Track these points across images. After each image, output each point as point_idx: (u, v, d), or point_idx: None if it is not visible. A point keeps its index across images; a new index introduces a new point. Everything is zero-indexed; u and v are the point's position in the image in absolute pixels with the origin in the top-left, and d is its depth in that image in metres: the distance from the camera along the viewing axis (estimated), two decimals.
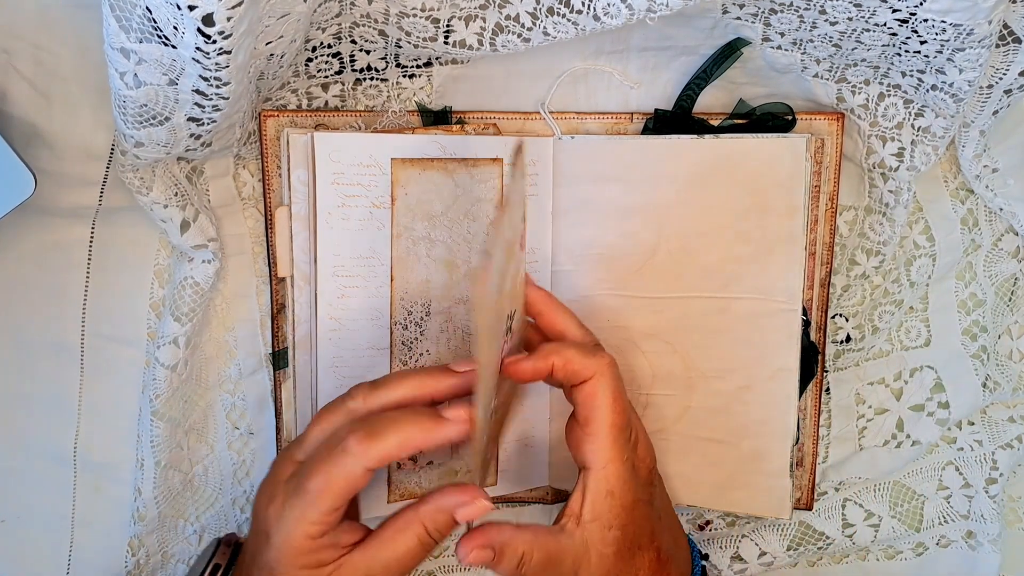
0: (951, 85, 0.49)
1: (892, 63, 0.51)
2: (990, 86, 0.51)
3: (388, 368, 0.54)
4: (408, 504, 0.43)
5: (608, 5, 0.46)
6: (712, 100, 0.55)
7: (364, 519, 0.48)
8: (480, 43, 0.50)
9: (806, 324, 0.55)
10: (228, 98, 0.44)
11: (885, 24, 0.47)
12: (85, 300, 0.54)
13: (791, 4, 0.48)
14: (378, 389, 0.44)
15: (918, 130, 0.53)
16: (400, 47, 0.51)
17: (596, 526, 0.45)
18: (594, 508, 0.45)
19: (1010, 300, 0.59)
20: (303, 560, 0.42)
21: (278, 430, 0.56)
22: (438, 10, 0.48)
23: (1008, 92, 0.51)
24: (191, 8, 0.37)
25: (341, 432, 0.42)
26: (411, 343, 0.54)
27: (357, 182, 0.51)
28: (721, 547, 0.60)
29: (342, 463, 0.41)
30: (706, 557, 0.51)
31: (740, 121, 0.55)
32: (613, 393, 0.45)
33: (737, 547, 0.60)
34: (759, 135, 0.54)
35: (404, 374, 0.45)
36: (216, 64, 0.40)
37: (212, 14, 0.37)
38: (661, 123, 0.55)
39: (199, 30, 0.38)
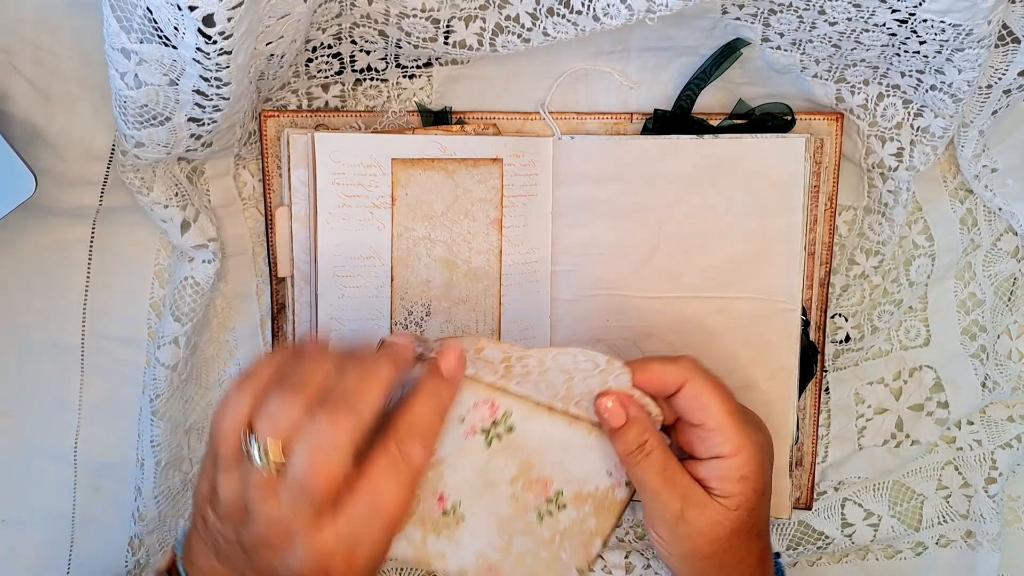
0: (950, 85, 0.49)
1: (891, 63, 0.51)
2: (989, 86, 0.51)
3: None
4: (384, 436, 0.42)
5: (608, 5, 0.46)
6: (712, 100, 0.55)
7: None
8: (480, 43, 0.50)
9: (805, 324, 0.55)
10: (228, 98, 0.44)
11: (884, 24, 0.47)
12: (85, 300, 0.54)
13: (790, 4, 0.48)
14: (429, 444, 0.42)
15: (917, 130, 0.54)
16: (400, 47, 0.51)
17: (723, 503, 0.46)
18: (724, 488, 0.46)
19: (1009, 300, 0.59)
20: None
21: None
22: (438, 11, 0.48)
23: (1007, 92, 0.51)
24: (192, 8, 0.37)
25: (393, 451, 0.40)
26: None
27: (358, 182, 0.51)
28: None
29: (415, 475, 0.41)
30: (777, 555, 0.52)
31: (740, 121, 0.55)
32: (713, 385, 0.46)
33: None
34: (758, 135, 0.54)
35: (431, 415, 0.43)
36: (216, 64, 0.40)
37: (213, 14, 0.37)
38: (661, 123, 0.55)
39: (200, 30, 0.38)
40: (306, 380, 0.40)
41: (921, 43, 0.47)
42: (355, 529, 0.38)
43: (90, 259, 0.54)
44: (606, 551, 0.60)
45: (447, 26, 0.49)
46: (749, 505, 0.46)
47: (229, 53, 0.40)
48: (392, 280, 0.53)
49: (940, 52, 0.47)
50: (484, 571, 0.47)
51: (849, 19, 0.47)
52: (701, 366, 0.47)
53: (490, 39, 0.50)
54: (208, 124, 0.46)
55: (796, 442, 0.57)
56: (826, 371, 0.59)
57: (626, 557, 0.60)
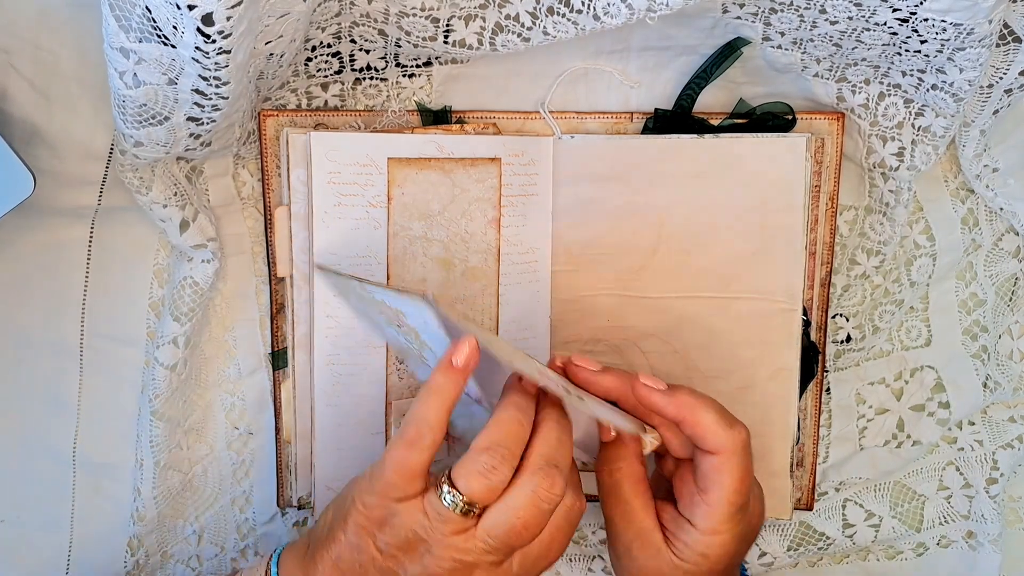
0: (951, 84, 0.49)
1: (892, 62, 0.51)
2: (990, 85, 0.51)
3: (384, 367, 0.54)
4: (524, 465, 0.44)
5: (608, 5, 0.46)
6: (712, 100, 0.55)
7: None
8: (480, 43, 0.50)
9: (806, 324, 0.55)
10: (227, 98, 0.44)
11: (885, 23, 0.47)
12: (84, 300, 0.54)
13: (791, 3, 0.48)
14: (564, 470, 0.43)
15: (918, 129, 0.53)
16: (400, 46, 0.51)
17: (675, 559, 0.45)
18: (683, 550, 0.45)
19: (1011, 300, 0.59)
20: None
21: (277, 430, 0.56)
22: (438, 9, 0.48)
23: (1008, 91, 0.51)
24: (191, 8, 0.37)
25: (561, 513, 0.43)
26: None
27: (353, 181, 0.51)
28: None
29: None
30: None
31: (740, 121, 0.55)
32: (741, 475, 0.45)
33: None
34: (759, 135, 0.54)
35: (562, 445, 0.44)
36: (215, 64, 0.40)
37: (212, 14, 0.37)
38: (661, 123, 0.55)
39: (199, 30, 0.38)
40: (515, 440, 0.43)
41: (922, 42, 0.47)
42: (524, 569, 0.43)
43: (89, 259, 0.54)
44: (607, 551, 0.60)
45: (447, 25, 0.49)
46: (700, 573, 0.45)
47: (228, 52, 0.40)
48: (388, 279, 0.53)
49: (941, 51, 0.47)
50: None
51: (850, 18, 0.47)
52: (747, 448, 0.45)
53: (490, 38, 0.50)
54: (207, 123, 0.46)
55: (797, 443, 0.57)
56: (827, 371, 0.59)
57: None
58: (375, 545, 0.42)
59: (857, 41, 0.49)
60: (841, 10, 0.47)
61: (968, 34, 0.45)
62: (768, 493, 0.55)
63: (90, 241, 0.54)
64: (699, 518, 0.45)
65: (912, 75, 0.51)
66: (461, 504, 0.41)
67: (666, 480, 0.49)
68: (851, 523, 0.61)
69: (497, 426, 0.42)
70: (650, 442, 0.47)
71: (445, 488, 0.41)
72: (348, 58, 0.52)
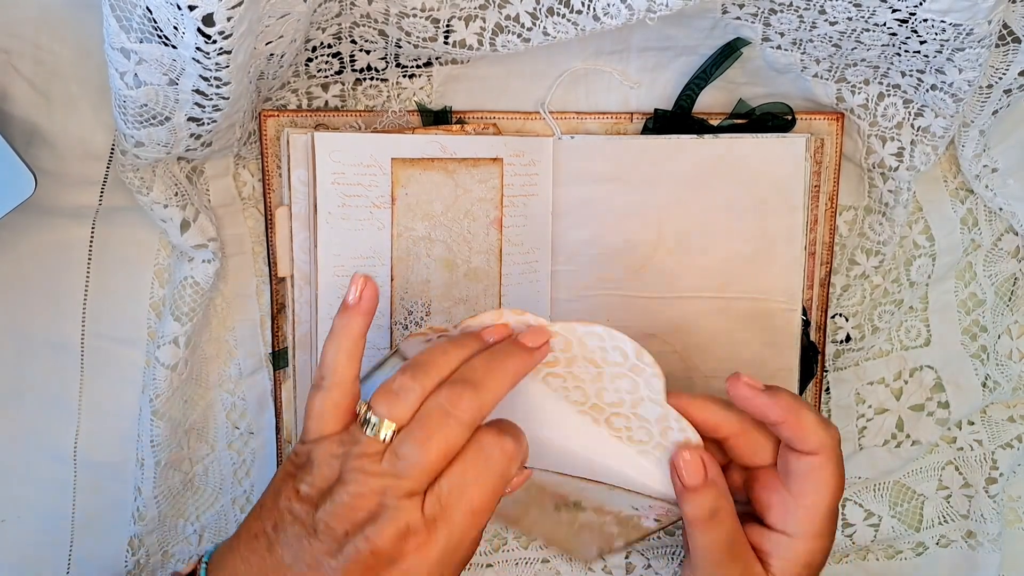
0: (951, 85, 0.49)
1: (892, 63, 0.51)
2: (990, 86, 0.51)
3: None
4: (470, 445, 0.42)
5: (608, 5, 0.46)
6: (712, 100, 0.55)
7: None
8: (480, 43, 0.50)
9: (806, 324, 0.55)
10: (228, 98, 0.44)
11: (885, 24, 0.47)
12: (85, 300, 0.54)
13: (791, 4, 0.48)
14: (484, 389, 0.40)
15: (918, 130, 0.54)
16: (400, 47, 0.51)
17: None
18: (784, 568, 0.43)
19: (1010, 300, 0.59)
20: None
21: (278, 430, 0.56)
22: (438, 10, 0.48)
23: (1008, 92, 0.51)
24: (191, 8, 0.37)
25: (484, 441, 0.40)
26: None
27: (357, 182, 0.51)
28: None
29: (503, 470, 0.40)
30: None
31: (740, 121, 0.55)
32: (840, 473, 0.43)
33: None
34: (759, 135, 0.54)
35: (494, 367, 0.41)
36: (216, 64, 0.40)
37: (212, 14, 0.37)
38: (661, 123, 0.55)
39: (199, 30, 0.38)
40: (435, 363, 0.41)
41: (922, 43, 0.47)
42: (441, 512, 0.39)
43: (90, 259, 0.54)
44: None
45: (447, 26, 0.49)
46: None
47: (229, 53, 0.40)
48: (392, 280, 0.53)
49: (941, 52, 0.47)
50: (503, 518, 0.47)
51: (850, 19, 0.47)
52: (840, 448, 0.44)
53: (490, 39, 0.50)
54: (208, 124, 0.46)
55: None
56: (826, 371, 0.59)
57: (626, 557, 0.60)
58: (295, 490, 0.40)
59: (856, 42, 0.49)
60: (840, 11, 0.47)
61: (967, 34, 0.45)
62: None
63: (91, 241, 0.54)
64: (797, 525, 0.43)
65: (911, 75, 0.51)
66: (378, 426, 0.39)
67: (743, 500, 0.46)
68: (850, 523, 0.61)
69: (422, 353, 0.41)
70: (695, 441, 0.44)
71: (363, 411, 0.40)
72: (348, 58, 0.52)
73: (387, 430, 0.39)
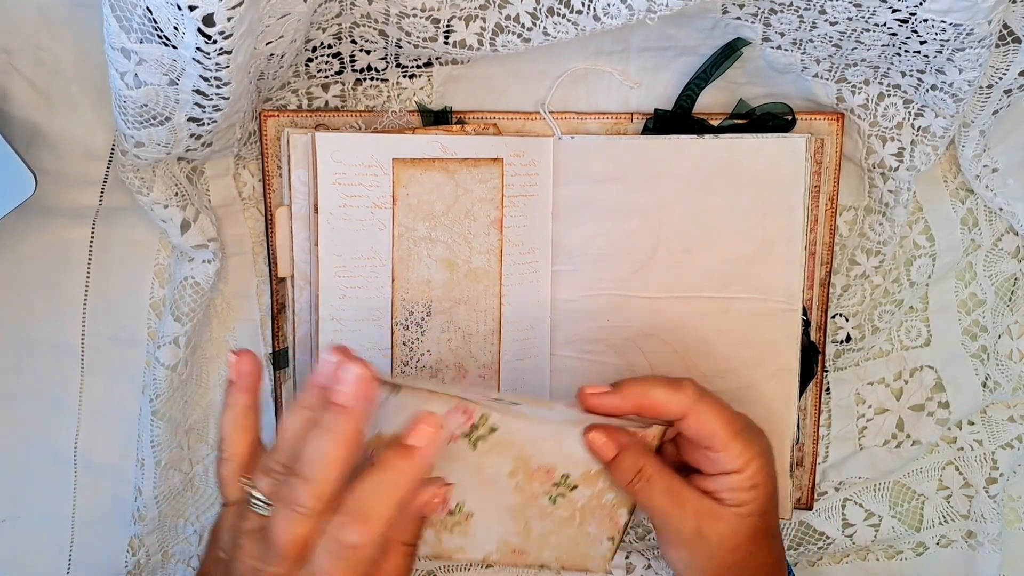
0: (951, 85, 0.49)
1: (892, 63, 0.51)
2: (990, 86, 0.51)
3: (390, 369, 0.54)
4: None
5: (608, 5, 0.46)
6: (712, 100, 0.55)
7: None
8: (480, 43, 0.50)
9: (806, 324, 0.55)
10: (228, 98, 0.44)
11: (885, 24, 0.47)
12: (85, 300, 0.54)
13: (791, 4, 0.48)
14: (314, 481, 0.39)
15: (918, 130, 0.54)
16: (400, 47, 0.51)
17: (737, 511, 0.46)
18: (736, 497, 0.46)
19: (1010, 300, 0.59)
20: None
21: (278, 430, 0.56)
22: (438, 10, 0.48)
23: (1008, 92, 0.51)
24: (191, 8, 0.37)
25: (331, 534, 0.39)
26: (412, 344, 0.54)
27: (358, 182, 0.51)
28: None
29: (359, 559, 0.39)
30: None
31: (740, 121, 0.55)
32: (716, 410, 0.46)
33: None
34: (759, 135, 0.54)
35: (320, 447, 0.39)
36: (216, 64, 0.40)
37: (212, 14, 0.37)
38: (661, 123, 0.55)
39: (199, 30, 0.38)
40: (282, 443, 0.41)
41: (922, 43, 0.47)
42: None
43: (90, 259, 0.54)
44: None
45: (447, 26, 0.49)
46: (762, 510, 0.46)
47: (229, 53, 0.40)
48: (393, 280, 0.53)
49: (941, 52, 0.47)
50: (509, 555, 0.47)
51: (850, 19, 0.47)
52: (702, 391, 0.46)
53: (490, 39, 0.50)
54: (208, 124, 0.46)
55: (797, 442, 0.57)
56: (827, 371, 0.59)
57: (626, 557, 0.60)
58: (216, 551, 0.42)
59: (857, 42, 0.49)
60: (841, 11, 0.47)
61: (967, 35, 0.45)
62: None
63: (91, 241, 0.54)
64: (726, 463, 0.46)
65: (912, 75, 0.51)
66: (256, 504, 0.40)
67: (676, 465, 0.49)
68: (851, 523, 0.61)
69: (309, 443, 0.40)
70: (657, 429, 0.47)
71: (246, 486, 0.41)
72: (349, 59, 0.52)
73: (264, 508, 0.40)
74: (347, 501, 0.39)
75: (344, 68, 0.53)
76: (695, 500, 0.46)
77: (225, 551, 0.41)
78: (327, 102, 0.54)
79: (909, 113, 0.53)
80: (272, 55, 0.46)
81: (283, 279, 0.54)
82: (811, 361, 0.56)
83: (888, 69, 0.52)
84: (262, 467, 0.41)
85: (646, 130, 0.55)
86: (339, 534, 0.38)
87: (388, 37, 0.50)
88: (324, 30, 0.49)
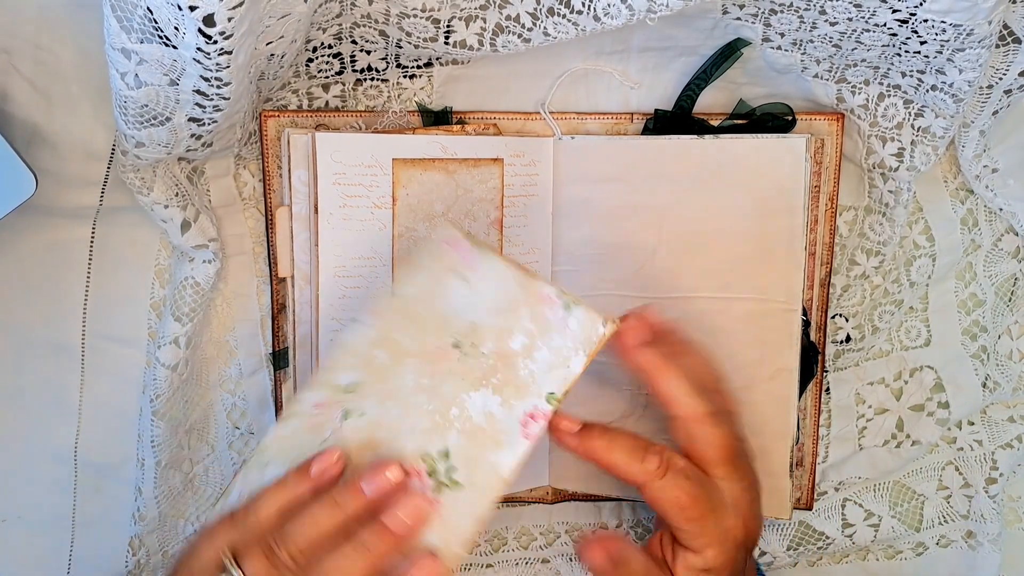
0: (951, 85, 0.49)
1: (892, 63, 0.51)
2: (990, 86, 0.51)
3: None
4: None
5: (608, 5, 0.46)
6: (712, 100, 0.55)
7: None
8: (480, 43, 0.50)
9: (806, 324, 0.55)
10: (229, 98, 0.44)
11: (885, 24, 0.47)
12: (86, 300, 0.54)
13: (791, 4, 0.48)
14: (291, 545, 0.40)
15: (918, 130, 0.54)
16: (401, 47, 0.51)
17: None
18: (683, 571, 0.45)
19: (1010, 300, 0.59)
20: None
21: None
22: (438, 11, 0.48)
23: (1008, 92, 0.51)
24: (192, 9, 0.37)
25: None
26: None
27: (359, 182, 0.51)
28: None
29: None
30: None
31: (740, 121, 0.55)
32: (678, 491, 0.44)
33: None
34: (759, 135, 0.54)
35: (305, 519, 0.41)
36: (217, 64, 0.40)
37: (213, 14, 0.37)
38: (661, 123, 0.55)
39: (200, 30, 0.38)
40: (293, 538, 0.40)
41: (922, 43, 0.47)
42: None
43: (90, 259, 0.54)
44: None
45: (447, 26, 0.49)
46: None
47: (229, 53, 0.40)
48: (393, 281, 0.53)
49: (941, 52, 0.47)
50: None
51: (850, 19, 0.47)
52: (668, 466, 0.44)
53: (490, 39, 0.50)
54: (208, 124, 0.46)
55: (797, 442, 0.57)
56: (826, 371, 0.59)
57: None
58: None
59: (857, 42, 0.49)
60: (841, 11, 0.47)
61: (968, 35, 0.45)
62: (768, 493, 0.55)
63: (91, 241, 0.54)
64: (682, 539, 0.45)
65: (912, 76, 0.51)
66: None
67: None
68: (850, 523, 0.61)
69: (293, 521, 0.41)
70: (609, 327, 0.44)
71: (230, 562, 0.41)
72: (349, 59, 0.52)
73: None
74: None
75: (344, 68, 0.53)
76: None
77: None
78: (327, 102, 0.54)
79: (909, 113, 0.53)
80: (272, 55, 0.46)
81: (283, 279, 0.54)
82: (811, 361, 0.56)
83: (888, 69, 0.52)
84: (263, 545, 0.40)
85: (646, 130, 0.55)
86: None
87: (388, 37, 0.50)
88: (324, 30, 0.49)
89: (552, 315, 0.44)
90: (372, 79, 0.54)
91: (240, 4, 0.38)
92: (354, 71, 0.53)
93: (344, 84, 0.54)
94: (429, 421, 0.44)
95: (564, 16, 0.48)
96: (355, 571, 0.39)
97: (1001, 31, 0.48)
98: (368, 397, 0.44)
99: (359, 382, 0.44)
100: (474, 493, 0.43)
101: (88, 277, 0.54)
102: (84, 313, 0.54)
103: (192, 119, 0.45)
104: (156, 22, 0.39)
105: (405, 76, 0.54)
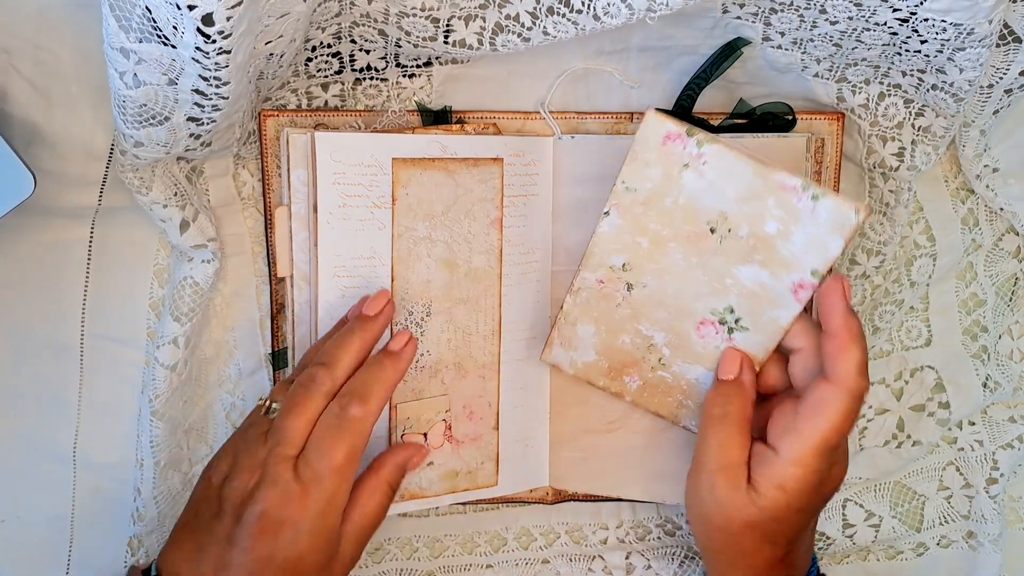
0: (951, 84, 0.49)
1: (892, 62, 0.51)
2: (990, 85, 0.51)
3: None
4: (368, 470, 0.49)
5: (608, 5, 0.46)
6: (712, 100, 0.55)
7: None
8: (480, 43, 0.50)
9: None
10: (228, 98, 0.44)
11: (885, 23, 0.47)
12: (85, 300, 0.54)
13: (791, 3, 0.48)
14: (335, 365, 0.47)
15: (918, 130, 0.53)
16: (400, 47, 0.51)
17: (754, 496, 0.46)
18: (760, 483, 0.46)
19: (1011, 300, 0.59)
20: (331, 536, 0.46)
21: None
22: (438, 10, 0.48)
23: (1008, 91, 0.51)
24: (191, 8, 0.37)
25: (334, 409, 0.46)
26: None
27: (358, 182, 0.51)
28: None
29: (356, 430, 0.46)
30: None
31: (740, 121, 0.55)
32: (846, 415, 0.44)
33: None
34: (760, 135, 0.54)
35: (343, 342, 0.48)
36: (215, 64, 0.40)
37: (212, 14, 0.37)
38: None
39: (199, 30, 0.38)
40: (332, 356, 0.48)
41: (922, 42, 0.47)
42: (309, 474, 0.45)
43: (89, 259, 0.54)
44: (607, 551, 0.60)
45: (447, 25, 0.49)
46: (778, 515, 0.46)
47: (228, 52, 0.40)
48: (392, 280, 0.53)
49: (941, 51, 0.47)
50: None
51: (850, 18, 0.47)
52: (862, 401, 0.45)
53: (490, 38, 0.50)
54: (207, 123, 0.46)
55: None
56: None
57: (627, 558, 0.60)
58: (207, 479, 0.47)
59: (857, 41, 0.49)
60: (841, 10, 0.47)
61: (968, 34, 0.45)
62: None
63: (90, 241, 0.54)
64: (786, 446, 0.45)
65: (912, 75, 0.51)
66: (274, 410, 0.47)
67: (759, 427, 0.49)
68: (851, 523, 0.61)
69: (317, 349, 0.50)
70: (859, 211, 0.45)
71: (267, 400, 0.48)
72: (348, 58, 0.52)
73: (278, 412, 0.47)
74: (350, 385, 0.47)
75: (344, 68, 0.53)
76: (734, 457, 0.47)
77: (224, 469, 0.46)
78: (327, 102, 0.54)
79: (910, 113, 0.53)
80: (271, 55, 0.46)
81: (282, 279, 0.54)
82: None
83: (889, 69, 0.51)
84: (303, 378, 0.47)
85: None
86: (343, 408, 0.46)
87: (388, 37, 0.50)
88: (323, 30, 0.49)
89: (800, 204, 0.46)
90: (371, 78, 0.54)
91: (239, 3, 0.38)
92: (353, 70, 0.53)
93: (343, 83, 0.54)
94: (708, 288, 0.49)
95: (564, 15, 0.47)
96: (348, 344, 0.48)
97: (1002, 30, 0.48)
98: (645, 273, 0.50)
99: (631, 263, 0.50)
100: (761, 336, 0.49)
101: (87, 277, 0.54)
102: (83, 313, 0.54)
103: (191, 118, 0.45)
104: (155, 22, 0.39)
105: (404, 75, 0.54)
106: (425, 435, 0.55)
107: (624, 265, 0.50)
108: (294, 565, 0.44)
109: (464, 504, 0.59)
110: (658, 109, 0.55)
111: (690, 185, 0.48)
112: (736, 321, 0.50)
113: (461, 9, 0.49)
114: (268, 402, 0.47)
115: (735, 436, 0.47)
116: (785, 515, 0.46)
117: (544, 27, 0.48)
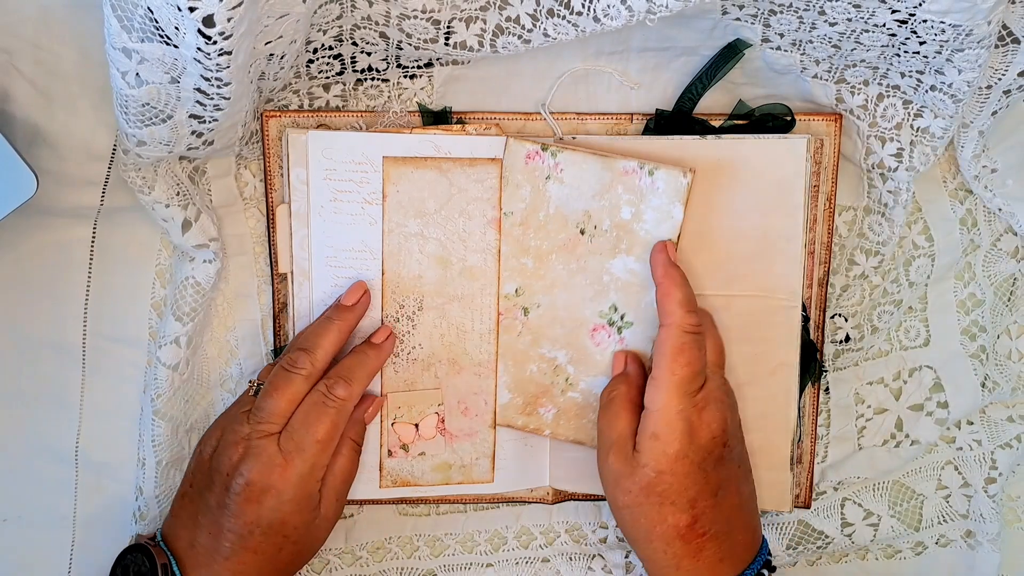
0: (950, 86, 0.49)
1: (891, 64, 0.51)
2: (989, 87, 0.51)
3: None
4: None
5: (608, 7, 0.46)
6: (712, 101, 0.55)
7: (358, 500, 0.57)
8: (480, 44, 0.50)
9: (805, 320, 0.56)
10: (229, 98, 0.44)
11: (884, 25, 0.47)
12: (87, 300, 0.54)
13: (790, 5, 0.48)
14: (313, 350, 0.51)
15: (917, 131, 0.54)
16: (401, 48, 0.51)
17: (637, 457, 0.49)
18: (640, 442, 0.49)
19: (1009, 300, 0.59)
20: (312, 500, 0.50)
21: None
22: (439, 12, 0.48)
23: (1007, 93, 0.51)
24: (192, 9, 0.37)
25: (321, 388, 0.50)
26: (403, 336, 0.54)
27: (348, 178, 0.52)
28: None
29: (340, 408, 0.50)
30: (772, 570, 0.52)
31: (740, 122, 0.55)
32: (680, 347, 0.49)
33: None
34: (760, 136, 0.54)
35: (322, 330, 0.52)
36: (217, 64, 0.41)
37: (212, 15, 0.38)
38: (662, 124, 0.55)
39: (200, 31, 0.38)
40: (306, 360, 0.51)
41: (921, 43, 0.47)
42: (292, 445, 0.49)
43: (91, 259, 0.54)
44: (607, 550, 0.60)
45: (448, 27, 0.49)
46: (659, 466, 0.48)
47: (229, 53, 0.40)
48: (383, 273, 0.53)
49: (940, 53, 0.47)
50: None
51: (849, 20, 0.47)
52: (697, 331, 0.49)
53: (491, 40, 0.50)
54: (209, 122, 0.46)
55: (799, 440, 0.57)
56: (825, 371, 0.59)
57: (626, 557, 0.60)
58: (199, 453, 0.51)
59: (856, 42, 0.49)
60: (840, 12, 0.47)
61: (967, 35, 0.45)
62: (768, 486, 0.55)
63: (92, 241, 0.54)
64: (648, 398, 0.49)
65: (911, 76, 0.51)
66: (253, 386, 0.52)
67: None
68: (850, 522, 0.61)
69: (301, 335, 0.53)
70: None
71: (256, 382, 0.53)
72: (349, 60, 0.52)
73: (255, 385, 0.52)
74: (337, 369, 0.51)
75: (345, 69, 0.53)
76: (621, 431, 0.50)
77: (213, 443, 0.50)
78: (328, 102, 0.54)
79: (908, 114, 0.54)
80: (272, 55, 0.46)
81: (283, 275, 0.54)
82: (810, 358, 0.57)
83: (887, 70, 0.52)
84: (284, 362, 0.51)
85: (647, 131, 0.55)
86: (330, 388, 0.50)
87: (389, 39, 0.50)
88: (325, 32, 0.49)
89: (642, 183, 0.52)
90: (373, 79, 0.54)
91: (239, 4, 0.38)
92: (354, 71, 0.53)
93: (345, 84, 0.54)
94: (592, 291, 0.53)
95: (564, 17, 0.48)
96: (327, 331, 0.51)
97: (1000, 31, 0.48)
98: (536, 293, 0.54)
99: (522, 286, 0.54)
100: (644, 325, 0.53)
101: (89, 277, 0.54)
102: (85, 313, 0.55)
103: (193, 116, 0.45)
104: (157, 22, 0.39)
105: (406, 76, 0.54)
106: (416, 425, 0.55)
107: (517, 290, 0.54)
108: (279, 527, 0.49)
109: (464, 503, 0.60)
110: (658, 110, 0.55)
111: (555, 194, 0.52)
112: (622, 318, 0.53)
113: (462, 11, 0.49)
114: (256, 383, 0.52)
115: (620, 413, 0.50)
116: (667, 465, 0.48)
117: (544, 29, 0.48)
